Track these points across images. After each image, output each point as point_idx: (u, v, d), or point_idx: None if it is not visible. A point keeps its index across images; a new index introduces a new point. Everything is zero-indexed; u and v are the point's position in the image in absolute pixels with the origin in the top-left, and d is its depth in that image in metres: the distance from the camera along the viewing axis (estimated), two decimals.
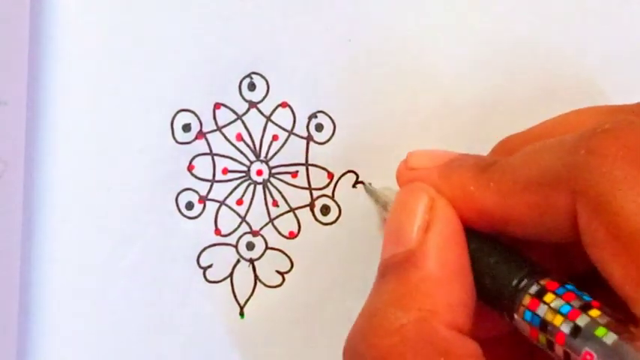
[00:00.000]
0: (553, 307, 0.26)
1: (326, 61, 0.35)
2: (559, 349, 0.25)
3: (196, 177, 0.35)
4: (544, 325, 0.26)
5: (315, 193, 0.35)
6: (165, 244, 0.34)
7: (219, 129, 0.35)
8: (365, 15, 0.35)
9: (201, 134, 0.35)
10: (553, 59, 0.35)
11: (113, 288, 0.34)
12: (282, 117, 0.35)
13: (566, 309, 0.26)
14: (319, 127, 0.35)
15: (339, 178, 0.35)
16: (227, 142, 0.35)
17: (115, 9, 0.34)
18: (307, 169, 0.35)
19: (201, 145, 0.35)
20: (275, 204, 0.35)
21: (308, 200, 0.35)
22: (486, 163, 0.29)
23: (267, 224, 0.35)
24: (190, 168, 0.35)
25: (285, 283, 0.35)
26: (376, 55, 0.35)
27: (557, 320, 0.25)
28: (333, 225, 0.35)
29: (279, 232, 0.35)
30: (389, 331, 0.26)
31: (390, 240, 0.29)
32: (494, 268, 0.28)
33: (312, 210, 0.35)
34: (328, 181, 0.35)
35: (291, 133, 0.35)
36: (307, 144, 0.35)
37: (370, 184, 0.35)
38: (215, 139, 0.35)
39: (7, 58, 0.34)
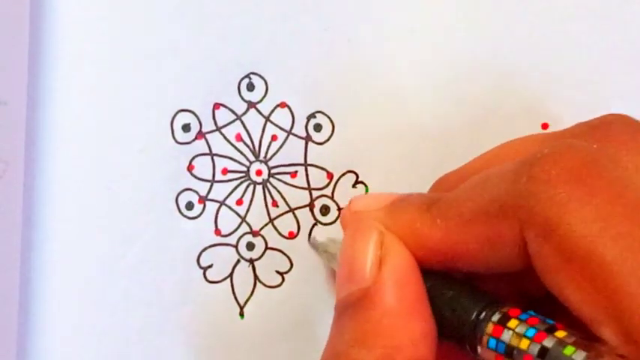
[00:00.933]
0: (518, 332, 0.26)
1: (325, 61, 0.35)
2: None
3: (196, 177, 0.35)
4: (510, 351, 0.26)
5: (315, 193, 0.35)
6: (165, 245, 0.34)
7: (218, 129, 0.35)
8: (364, 15, 0.35)
9: (200, 134, 0.35)
10: (553, 63, 0.35)
11: (113, 288, 0.34)
12: (281, 117, 0.35)
13: (531, 332, 0.25)
14: (318, 127, 0.35)
15: (339, 178, 0.35)
16: (226, 143, 0.35)
17: (114, 9, 0.34)
18: (306, 170, 0.35)
19: (200, 145, 0.35)
20: (275, 204, 0.35)
21: (307, 200, 0.35)
22: (431, 200, 0.28)
23: (266, 224, 0.35)
24: (190, 168, 0.35)
25: (284, 284, 0.35)
26: (375, 54, 0.35)
27: (524, 344, 0.25)
28: (333, 225, 0.35)
29: (279, 233, 0.35)
30: None
31: (344, 279, 0.29)
32: (453, 302, 0.28)
33: (311, 210, 0.35)
34: (328, 181, 0.35)
35: (290, 133, 0.35)
36: (306, 144, 0.35)
37: (315, 237, 0.35)
38: (214, 139, 0.35)
39: (7, 58, 0.34)
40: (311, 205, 0.35)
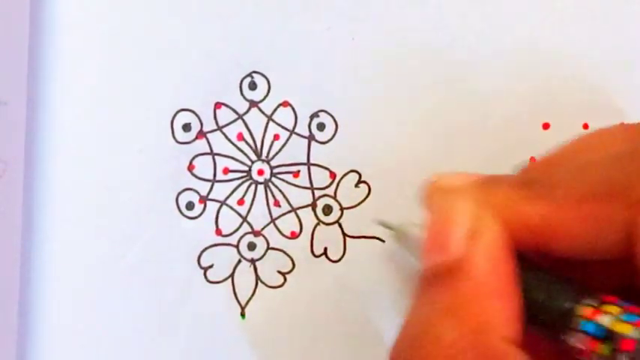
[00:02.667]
0: (618, 317, 0.25)
1: (328, 59, 0.35)
2: (624, 358, 0.25)
3: (197, 177, 0.35)
4: (608, 335, 0.25)
5: (317, 193, 0.35)
6: (166, 244, 0.34)
7: (219, 128, 0.35)
8: (368, 13, 0.35)
9: (201, 134, 0.35)
10: (553, 63, 0.35)
11: (113, 288, 0.34)
12: (284, 116, 0.35)
13: (632, 317, 0.25)
14: (321, 127, 0.35)
15: (342, 177, 0.35)
16: (228, 142, 0.35)
17: (115, 9, 0.34)
18: (309, 169, 0.35)
19: (201, 145, 0.35)
20: (276, 204, 0.35)
21: (310, 200, 0.35)
22: (529, 179, 0.28)
23: (268, 224, 0.35)
24: (191, 168, 0.35)
25: (286, 284, 0.35)
26: (379, 53, 0.35)
27: (625, 328, 0.25)
28: (335, 225, 0.35)
29: (281, 232, 0.35)
30: (444, 344, 0.26)
31: (432, 248, 0.28)
32: (547, 286, 0.27)
33: (314, 210, 0.35)
34: (330, 180, 0.35)
35: (292, 132, 0.35)
36: (309, 143, 0.35)
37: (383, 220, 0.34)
38: (216, 138, 0.35)
39: (7, 58, 0.34)
40: (313, 205, 0.35)
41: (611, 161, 0.26)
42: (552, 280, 0.27)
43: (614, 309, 0.26)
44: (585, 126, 0.35)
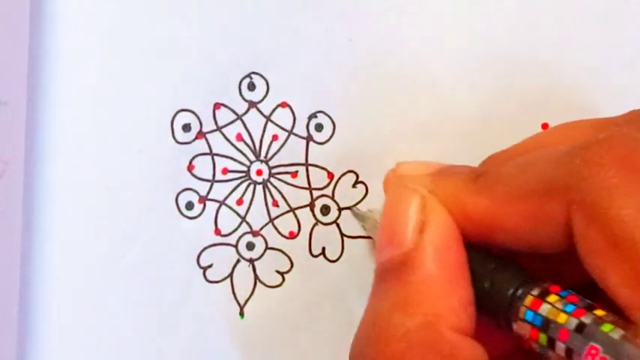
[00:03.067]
0: (557, 306, 0.26)
1: (326, 60, 0.35)
2: (561, 347, 0.25)
3: (196, 177, 0.35)
4: (546, 324, 0.26)
5: (315, 193, 0.35)
6: (165, 244, 0.34)
7: (219, 129, 0.35)
8: (365, 14, 0.35)
9: (201, 134, 0.35)
10: (553, 63, 0.35)
11: (113, 288, 0.34)
12: (282, 117, 0.35)
13: (570, 308, 0.26)
14: (319, 127, 0.35)
15: (339, 178, 0.35)
16: (227, 142, 0.35)
17: (114, 9, 0.34)
18: (307, 169, 0.35)
19: (201, 145, 0.35)
20: (275, 204, 0.35)
21: (308, 200, 0.35)
22: (478, 172, 0.29)
23: (267, 224, 0.35)
24: (190, 168, 0.35)
25: (285, 283, 0.35)
26: (376, 54, 0.35)
27: (561, 318, 0.25)
28: (333, 225, 0.35)
29: (279, 232, 0.35)
30: (394, 338, 0.26)
31: (384, 242, 0.28)
32: (492, 274, 0.28)
33: (312, 210, 0.35)
34: (328, 181, 0.35)
35: (290, 133, 0.35)
36: (307, 144, 0.35)
37: (357, 208, 0.35)
38: (215, 139, 0.35)
39: (7, 58, 0.34)
40: (311, 205, 0.35)
41: (552, 159, 0.26)
42: (499, 268, 0.28)
43: (554, 298, 0.26)
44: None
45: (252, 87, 0.35)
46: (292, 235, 0.35)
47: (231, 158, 0.35)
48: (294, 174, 0.35)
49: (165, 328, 0.34)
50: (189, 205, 0.35)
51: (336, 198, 0.35)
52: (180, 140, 0.35)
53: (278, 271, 0.35)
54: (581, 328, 0.25)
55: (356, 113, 0.35)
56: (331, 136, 0.35)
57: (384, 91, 0.35)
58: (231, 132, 0.35)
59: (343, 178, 0.35)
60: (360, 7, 0.35)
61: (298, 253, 0.35)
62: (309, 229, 0.35)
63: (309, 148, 0.35)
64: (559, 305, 0.26)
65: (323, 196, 0.35)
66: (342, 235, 0.35)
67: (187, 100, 0.35)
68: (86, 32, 0.34)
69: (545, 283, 0.27)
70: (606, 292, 0.25)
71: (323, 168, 0.35)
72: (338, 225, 0.35)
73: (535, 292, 0.27)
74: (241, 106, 0.35)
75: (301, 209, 0.35)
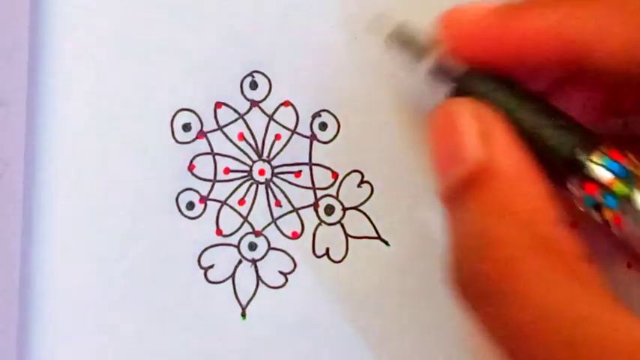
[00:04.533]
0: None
1: (330, 58, 0.35)
2: None
3: (197, 177, 0.34)
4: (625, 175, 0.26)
5: (319, 193, 0.35)
6: (166, 245, 0.34)
7: (220, 128, 0.35)
8: (371, 12, 0.35)
9: (202, 134, 0.34)
10: None
11: (113, 288, 0.34)
12: (285, 116, 0.35)
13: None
14: (323, 126, 0.35)
15: (344, 177, 0.35)
16: (229, 142, 0.35)
17: (115, 9, 0.34)
18: (311, 169, 0.35)
19: (202, 145, 0.34)
20: (278, 204, 0.35)
21: (312, 200, 0.35)
22: None
23: (269, 224, 0.35)
24: (191, 168, 0.34)
25: (287, 284, 0.35)
26: (381, 52, 0.35)
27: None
28: (337, 225, 0.35)
29: (282, 233, 0.35)
30: (503, 242, 0.26)
31: (446, 165, 0.28)
32: (550, 136, 0.28)
33: (316, 210, 0.35)
34: (332, 180, 0.35)
35: (294, 132, 0.35)
36: (311, 143, 0.35)
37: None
38: (216, 138, 0.35)
39: (7, 58, 0.34)
40: (315, 205, 0.35)
41: None
42: (557, 128, 0.28)
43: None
44: None
45: (254, 85, 0.35)
46: (295, 236, 0.35)
47: (233, 158, 0.35)
48: (298, 173, 0.35)
49: (166, 329, 0.34)
50: (190, 206, 0.34)
51: (340, 198, 0.35)
52: (180, 140, 0.34)
53: (281, 272, 0.35)
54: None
55: (360, 112, 0.35)
56: (335, 135, 0.35)
57: (389, 90, 0.35)
58: (232, 131, 0.35)
59: (348, 177, 0.35)
60: (365, 4, 0.35)
61: (302, 253, 0.35)
62: (313, 230, 0.35)
63: (313, 148, 0.35)
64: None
65: (327, 195, 0.35)
66: (347, 235, 0.35)
67: (187, 99, 0.34)
68: (86, 32, 0.34)
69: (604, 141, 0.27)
70: None
71: (327, 167, 0.35)
72: (342, 225, 0.35)
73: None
74: (243, 105, 0.35)
75: (305, 209, 0.35)
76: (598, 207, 0.27)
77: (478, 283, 0.26)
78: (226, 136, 0.35)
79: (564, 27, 0.27)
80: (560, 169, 0.27)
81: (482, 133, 0.27)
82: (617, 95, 0.30)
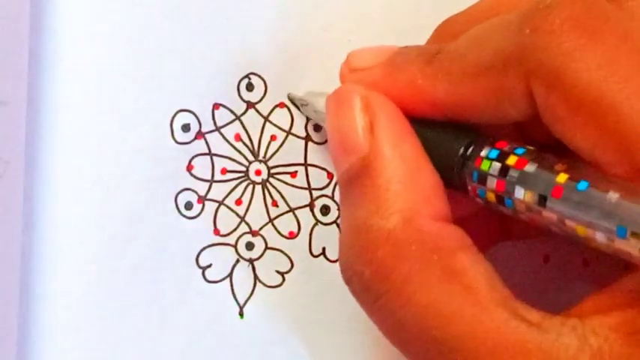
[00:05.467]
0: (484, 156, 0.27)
1: (324, 61, 0.35)
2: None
3: (195, 177, 0.35)
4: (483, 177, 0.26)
5: (315, 193, 0.35)
6: (164, 244, 0.34)
7: (217, 129, 0.35)
8: (364, 15, 0.35)
9: (200, 134, 0.35)
10: None
11: (112, 288, 0.34)
12: (280, 117, 0.35)
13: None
14: (317, 127, 0.35)
15: None
16: (226, 143, 0.35)
17: (114, 9, 0.34)
18: (306, 169, 0.35)
19: (200, 145, 0.35)
20: (274, 204, 0.35)
21: (308, 200, 0.35)
22: (431, 53, 0.28)
23: (266, 224, 0.35)
24: (189, 168, 0.35)
25: (285, 283, 0.35)
26: None
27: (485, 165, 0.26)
28: (333, 225, 0.35)
29: (279, 232, 0.35)
30: (379, 242, 0.26)
31: (338, 152, 0.28)
32: (440, 140, 0.28)
33: (312, 210, 0.35)
34: (328, 181, 0.35)
35: (289, 133, 0.35)
36: (306, 144, 0.35)
37: (290, 93, 0.35)
38: (214, 139, 0.35)
39: (7, 58, 0.34)
40: (311, 205, 0.35)
41: (504, 29, 0.26)
42: (445, 134, 0.28)
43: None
44: None
45: (250, 87, 0.35)
46: (292, 235, 0.35)
47: (230, 158, 0.35)
48: (294, 174, 0.35)
49: (165, 328, 0.34)
50: (189, 205, 0.35)
51: (336, 198, 0.35)
52: (179, 140, 0.35)
53: (278, 271, 0.35)
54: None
55: None
56: None
57: None
58: (229, 132, 0.35)
59: None
60: (359, 7, 0.35)
61: (298, 253, 0.35)
62: (309, 229, 0.35)
63: (308, 148, 0.35)
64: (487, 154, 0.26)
65: (323, 196, 0.35)
66: None
67: (187, 100, 0.35)
68: (86, 32, 0.34)
69: (488, 142, 0.27)
70: (579, 155, 0.25)
71: (322, 168, 0.35)
72: (338, 225, 0.35)
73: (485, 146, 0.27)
74: (240, 107, 0.35)
75: (301, 209, 0.35)
76: (497, 207, 0.27)
77: (358, 283, 0.27)
78: (223, 137, 0.35)
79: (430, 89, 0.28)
80: (457, 170, 0.28)
81: (367, 124, 0.28)
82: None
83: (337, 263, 0.35)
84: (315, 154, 0.35)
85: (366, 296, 0.27)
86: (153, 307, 0.34)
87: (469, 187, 0.27)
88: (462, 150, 0.27)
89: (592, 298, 0.25)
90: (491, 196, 0.26)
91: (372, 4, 0.35)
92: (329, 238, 0.35)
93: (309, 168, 0.35)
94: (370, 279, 0.27)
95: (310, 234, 0.35)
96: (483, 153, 0.27)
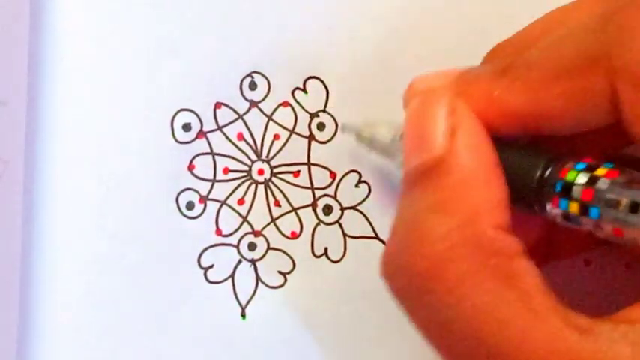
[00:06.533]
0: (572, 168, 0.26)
1: (328, 59, 0.35)
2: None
3: (197, 177, 0.35)
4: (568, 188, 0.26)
5: (318, 193, 0.35)
6: (166, 245, 0.34)
7: (219, 128, 0.35)
8: (367, 13, 0.35)
9: (201, 134, 0.35)
10: None
11: (113, 288, 0.34)
12: (284, 116, 0.35)
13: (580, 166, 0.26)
14: (321, 127, 0.35)
15: (342, 177, 0.35)
16: (228, 142, 0.35)
17: (114, 9, 0.34)
18: (309, 169, 0.35)
19: (201, 145, 0.35)
20: (277, 204, 0.35)
21: (310, 200, 0.35)
22: (502, 66, 0.28)
23: (268, 224, 0.35)
24: (191, 168, 0.35)
25: (287, 284, 0.35)
26: (378, 53, 0.35)
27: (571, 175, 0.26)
28: (336, 225, 0.35)
29: (281, 232, 0.35)
30: (435, 239, 0.26)
31: (413, 149, 0.28)
32: (520, 161, 0.27)
33: (314, 210, 0.35)
34: (331, 180, 0.35)
35: (292, 132, 0.35)
36: (309, 143, 0.35)
37: (345, 124, 0.34)
38: (216, 138, 0.35)
39: (7, 58, 0.34)
40: (314, 205, 0.35)
41: (584, 30, 0.26)
42: (526, 154, 0.27)
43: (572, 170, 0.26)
44: None
45: (253, 86, 0.35)
46: (294, 236, 0.35)
47: (233, 158, 0.35)
48: (296, 173, 0.35)
49: (166, 329, 0.34)
50: (190, 205, 0.34)
51: (338, 198, 0.35)
52: (180, 140, 0.34)
53: (280, 272, 0.35)
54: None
55: (358, 112, 0.35)
56: (333, 136, 0.35)
57: (386, 90, 0.35)
58: (232, 131, 0.35)
59: (346, 177, 0.35)
60: (362, 5, 0.35)
61: (300, 253, 0.35)
62: (312, 229, 0.35)
63: (311, 148, 0.35)
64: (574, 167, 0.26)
65: (325, 195, 0.35)
66: (345, 235, 0.35)
67: (187, 99, 0.34)
68: (86, 32, 0.34)
69: (572, 159, 0.27)
70: None
71: (325, 167, 0.35)
72: (341, 225, 0.35)
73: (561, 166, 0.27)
74: (242, 106, 0.35)
75: (303, 209, 0.35)
76: (577, 219, 0.26)
77: (404, 276, 0.27)
78: (226, 137, 0.35)
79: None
80: (536, 192, 0.27)
81: (450, 127, 0.27)
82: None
83: (339, 263, 0.35)
84: (318, 154, 0.35)
85: (412, 290, 0.27)
86: (154, 307, 0.34)
87: (548, 203, 0.27)
88: (541, 167, 0.27)
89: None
90: (574, 207, 0.26)
91: (375, 2, 0.35)
92: (331, 238, 0.35)
93: (312, 167, 0.35)
94: (420, 273, 0.26)
95: (312, 234, 0.35)
96: (569, 164, 0.26)
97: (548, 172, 0.27)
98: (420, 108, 0.28)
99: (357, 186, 0.35)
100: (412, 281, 0.26)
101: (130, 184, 0.34)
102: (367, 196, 0.35)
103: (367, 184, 0.35)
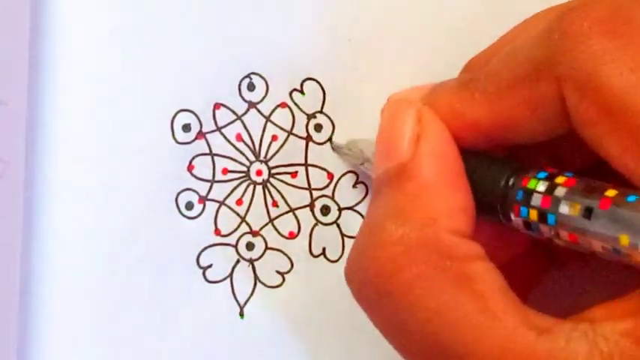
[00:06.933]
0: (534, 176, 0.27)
1: (325, 61, 0.35)
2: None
3: (196, 177, 0.35)
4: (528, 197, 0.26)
5: (315, 194, 0.35)
6: (165, 244, 0.34)
7: (218, 129, 0.35)
8: (365, 15, 0.35)
9: (201, 134, 0.35)
10: None
11: (113, 288, 0.34)
12: (282, 117, 0.35)
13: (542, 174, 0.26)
14: (318, 128, 0.35)
15: (339, 178, 0.35)
16: (227, 143, 0.35)
17: (115, 9, 0.34)
18: (307, 170, 0.35)
19: (201, 145, 0.35)
20: (275, 204, 0.35)
21: (308, 200, 0.35)
22: (467, 77, 0.28)
23: (267, 224, 0.35)
24: (190, 168, 0.35)
25: (285, 284, 0.35)
26: (376, 54, 0.35)
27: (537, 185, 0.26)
28: (334, 225, 0.35)
29: (279, 233, 0.35)
30: (390, 242, 0.26)
31: (381, 156, 0.29)
32: (483, 173, 0.28)
33: (312, 210, 0.35)
34: (328, 181, 0.35)
35: (290, 133, 0.35)
36: (307, 144, 0.35)
37: (335, 142, 0.35)
38: (215, 139, 0.35)
39: (7, 58, 0.34)
40: (311, 205, 0.35)
41: (535, 39, 0.26)
42: (489, 166, 0.28)
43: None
44: None
45: (251, 87, 0.35)
46: (292, 236, 0.35)
47: (231, 158, 0.35)
48: (294, 174, 0.35)
49: (165, 328, 0.34)
50: (189, 205, 0.35)
51: (336, 198, 0.35)
52: (180, 140, 0.35)
53: (278, 272, 0.35)
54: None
55: (355, 113, 0.35)
56: (330, 137, 0.35)
57: (384, 91, 0.35)
58: (230, 132, 0.35)
59: (343, 178, 0.35)
60: (360, 7, 0.35)
61: (298, 253, 0.35)
62: (310, 230, 0.35)
63: (309, 149, 0.35)
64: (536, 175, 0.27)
65: (323, 196, 0.35)
66: (343, 235, 0.35)
67: (187, 100, 0.35)
68: (86, 32, 0.34)
69: (535, 168, 0.27)
70: (608, 161, 0.25)
71: (323, 168, 0.35)
72: (338, 225, 0.35)
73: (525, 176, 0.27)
74: (241, 107, 0.35)
75: (301, 209, 0.35)
76: (537, 226, 0.27)
77: (361, 281, 0.27)
78: (224, 137, 0.35)
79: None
80: (500, 202, 0.28)
81: (415, 135, 0.28)
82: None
83: (337, 263, 0.35)
84: (316, 155, 0.35)
85: (370, 294, 0.27)
86: (153, 307, 0.34)
87: (512, 211, 0.27)
88: (505, 177, 0.27)
89: (604, 305, 0.25)
90: (534, 214, 0.26)
91: (373, 5, 0.35)
92: (329, 238, 0.35)
93: (310, 168, 0.35)
94: (374, 276, 0.27)
95: (310, 234, 0.35)
96: (531, 174, 0.27)
97: (511, 181, 0.27)
98: (389, 117, 0.29)
99: (354, 186, 0.35)
100: (370, 285, 0.27)
101: (129, 184, 0.34)
102: (364, 197, 0.35)
103: (364, 184, 0.35)
